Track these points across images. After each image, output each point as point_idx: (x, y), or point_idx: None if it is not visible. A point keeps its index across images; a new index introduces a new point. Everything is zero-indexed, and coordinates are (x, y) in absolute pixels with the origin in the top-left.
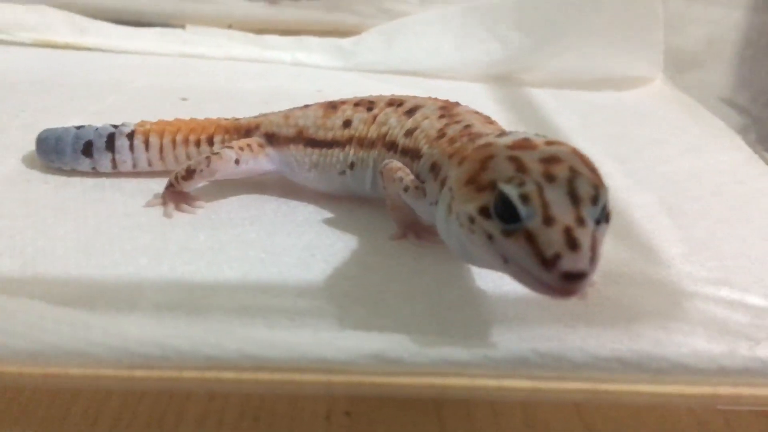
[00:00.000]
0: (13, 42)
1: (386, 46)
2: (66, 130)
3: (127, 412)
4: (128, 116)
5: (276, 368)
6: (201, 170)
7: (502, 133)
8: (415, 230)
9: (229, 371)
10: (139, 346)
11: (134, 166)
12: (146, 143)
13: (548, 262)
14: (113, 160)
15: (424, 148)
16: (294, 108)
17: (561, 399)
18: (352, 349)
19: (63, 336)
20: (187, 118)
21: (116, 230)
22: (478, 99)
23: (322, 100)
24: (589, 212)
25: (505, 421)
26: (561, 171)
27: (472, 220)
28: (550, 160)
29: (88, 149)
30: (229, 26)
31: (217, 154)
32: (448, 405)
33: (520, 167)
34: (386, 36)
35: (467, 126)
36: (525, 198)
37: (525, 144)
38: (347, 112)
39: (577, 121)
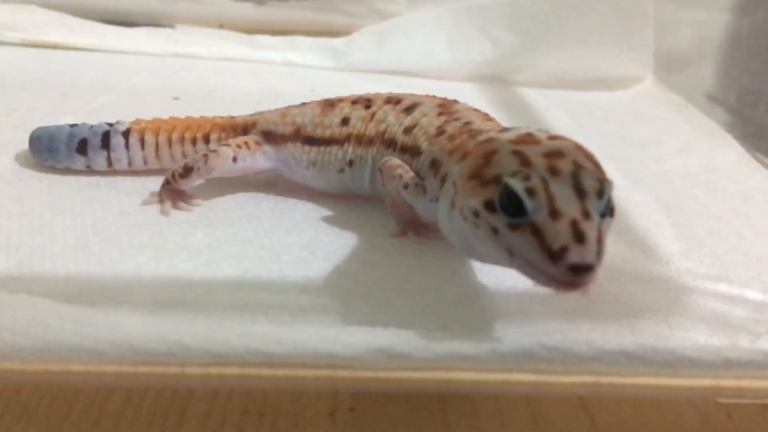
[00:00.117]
0: (1, 42)
1: (378, 46)
2: (59, 128)
3: (130, 411)
4: (120, 116)
5: (282, 364)
6: (198, 168)
7: (504, 129)
8: (414, 228)
9: (233, 367)
10: (144, 343)
11: (129, 164)
12: (142, 141)
13: (555, 255)
14: (108, 158)
15: (424, 145)
16: (291, 106)
17: (565, 393)
18: (359, 345)
19: (66, 333)
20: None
21: (113, 228)
22: (470, 99)
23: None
24: (594, 206)
25: (509, 417)
26: (565, 165)
27: (476, 214)
28: (553, 154)
29: (82, 147)
30: (220, 26)
31: (214, 151)
32: (452, 401)
33: (525, 162)
34: (378, 36)
35: (467, 123)
36: (531, 192)
37: (528, 139)
38: (345, 109)
39: (569, 121)
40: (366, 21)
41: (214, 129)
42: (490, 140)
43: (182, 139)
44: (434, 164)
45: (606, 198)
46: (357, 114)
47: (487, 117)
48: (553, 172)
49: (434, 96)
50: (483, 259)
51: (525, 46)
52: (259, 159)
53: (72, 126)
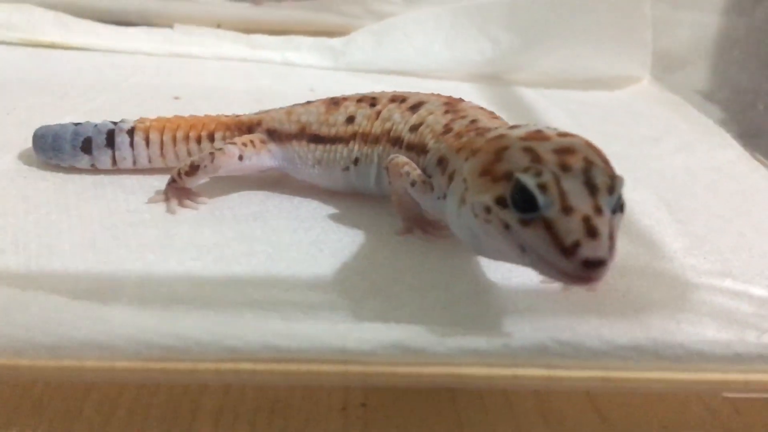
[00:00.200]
0: None
1: (377, 46)
2: (64, 126)
3: (142, 408)
4: (121, 115)
5: (296, 359)
6: (205, 166)
7: (514, 126)
8: (420, 225)
9: (247, 362)
10: (160, 338)
11: (134, 162)
12: (147, 140)
13: (568, 250)
14: (113, 157)
15: (431, 143)
16: (296, 104)
17: (574, 387)
18: (373, 340)
19: (82, 328)
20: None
21: (120, 226)
22: (469, 98)
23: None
24: (606, 201)
25: (519, 412)
26: (576, 162)
27: (488, 210)
28: (564, 150)
29: (87, 146)
30: (218, 26)
31: (220, 149)
32: (462, 396)
33: (536, 158)
34: (377, 36)
35: (473, 121)
36: (543, 187)
37: (538, 135)
38: (350, 108)
39: (568, 120)
40: (362, 21)
41: (219, 127)
42: (500, 137)
43: (187, 138)
44: (441, 162)
45: (617, 194)
46: (362, 112)
47: (492, 115)
48: (565, 168)
49: (439, 94)
50: (492, 256)
51: (524, 45)
52: (265, 157)
53: (76, 125)
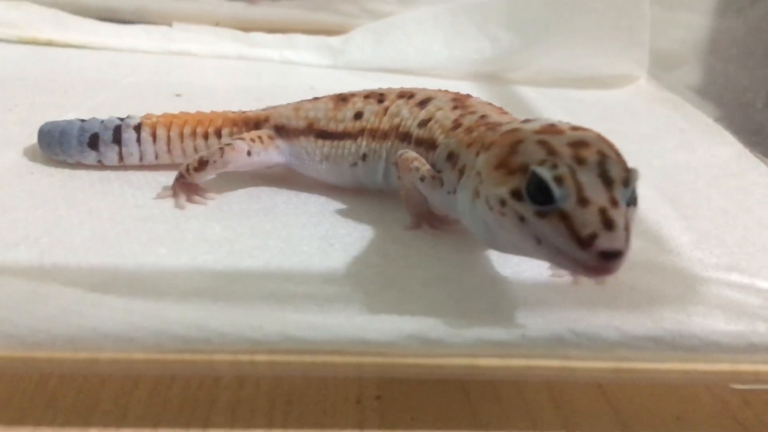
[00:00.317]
0: None
1: (376, 45)
2: (70, 122)
3: (158, 401)
4: (124, 112)
5: (315, 350)
6: (214, 161)
7: (527, 120)
8: (428, 220)
9: (264, 354)
10: (181, 329)
11: (141, 158)
12: (154, 135)
13: (584, 242)
14: (120, 153)
15: (440, 138)
16: (303, 100)
17: (588, 378)
18: (391, 331)
19: (102, 320)
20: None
21: (130, 221)
22: None
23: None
24: (621, 194)
25: (532, 402)
26: (590, 155)
27: (503, 203)
28: (578, 144)
29: (94, 142)
30: (217, 24)
31: (229, 145)
32: (476, 388)
33: (551, 151)
34: (376, 34)
35: (483, 116)
36: (559, 180)
37: (552, 129)
38: (358, 104)
39: (567, 118)
40: (359, 20)
41: (226, 123)
42: (515, 130)
43: (194, 134)
44: (451, 157)
45: (632, 186)
46: (370, 108)
47: (501, 110)
48: (580, 161)
49: (446, 90)
50: (506, 249)
51: (522, 44)
52: (272, 153)
53: (83, 121)
